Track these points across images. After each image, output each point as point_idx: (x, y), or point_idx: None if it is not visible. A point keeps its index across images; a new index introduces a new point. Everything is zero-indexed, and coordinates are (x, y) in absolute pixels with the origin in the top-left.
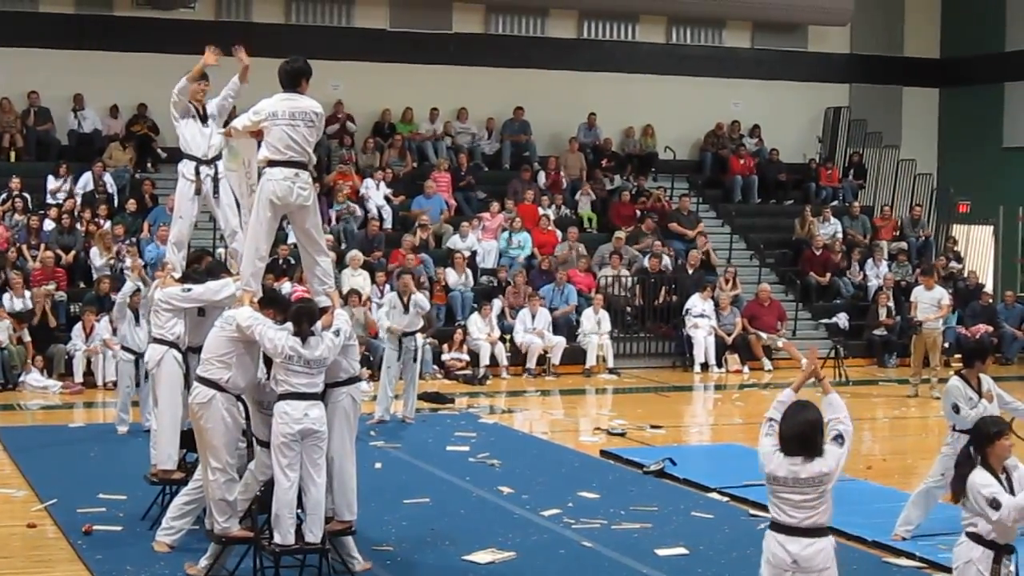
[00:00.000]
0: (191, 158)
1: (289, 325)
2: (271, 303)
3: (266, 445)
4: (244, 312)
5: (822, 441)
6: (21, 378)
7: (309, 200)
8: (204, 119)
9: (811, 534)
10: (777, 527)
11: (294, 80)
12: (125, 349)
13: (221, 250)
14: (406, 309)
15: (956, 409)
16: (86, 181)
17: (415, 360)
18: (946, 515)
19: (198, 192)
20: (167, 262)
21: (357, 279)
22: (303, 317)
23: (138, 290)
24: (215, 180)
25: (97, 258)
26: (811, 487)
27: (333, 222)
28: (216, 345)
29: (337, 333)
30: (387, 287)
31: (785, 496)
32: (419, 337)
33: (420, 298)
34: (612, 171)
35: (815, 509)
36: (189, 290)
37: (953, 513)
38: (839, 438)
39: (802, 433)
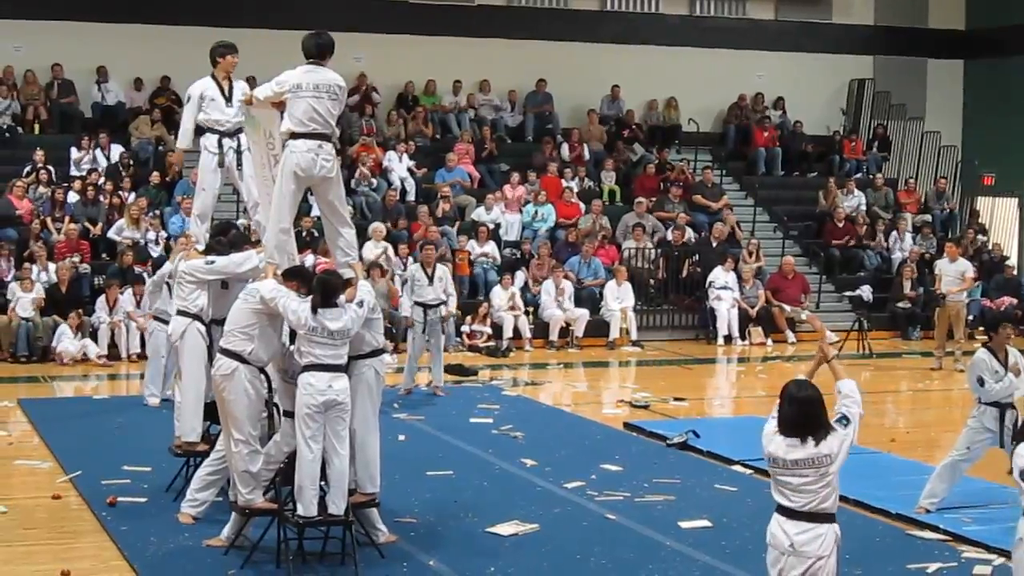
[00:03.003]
0: (214, 131)
1: (312, 297)
2: (294, 275)
3: (291, 415)
4: (268, 284)
5: (822, 422)
6: (55, 344)
7: (333, 172)
8: (229, 95)
9: (812, 519)
10: (779, 509)
11: (321, 53)
12: (159, 319)
13: (243, 221)
14: (430, 281)
15: (981, 382)
16: (107, 153)
17: (442, 332)
18: (971, 488)
19: (221, 164)
20: (190, 234)
21: (379, 251)
22: (326, 289)
23: None
24: (238, 152)
25: (124, 231)
26: (811, 468)
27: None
28: (239, 317)
29: (360, 305)
30: (410, 259)
31: (784, 479)
32: (443, 308)
33: (446, 273)
34: (631, 142)
35: (816, 494)
36: (212, 262)
37: (978, 487)
38: (843, 419)
39: (798, 413)
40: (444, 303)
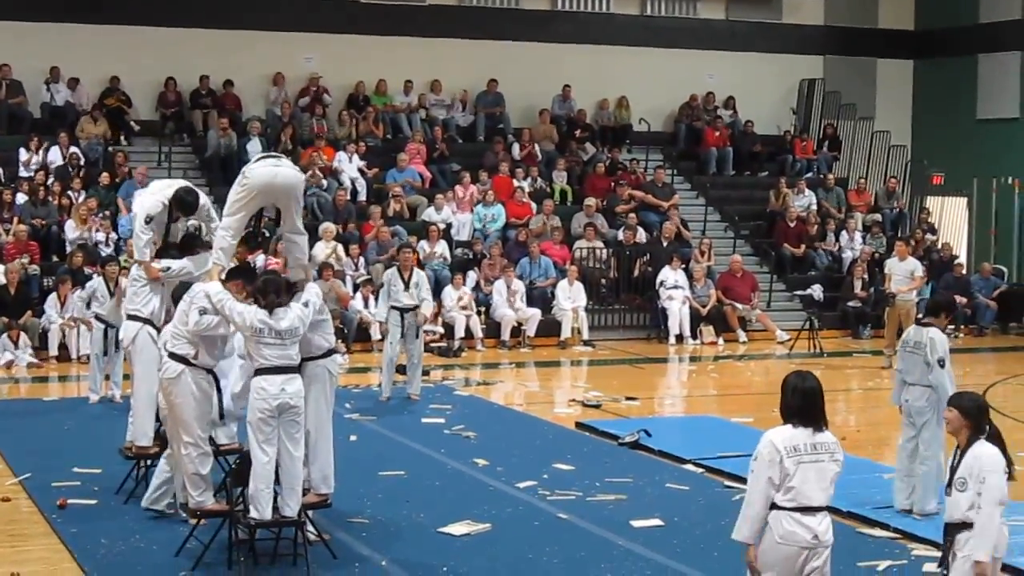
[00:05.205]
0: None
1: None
2: (238, 274)
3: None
4: (214, 287)
5: (823, 413)
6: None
7: (294, 184)
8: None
9: (822, 511)
10: (795, 510)
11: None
12: (100, 320)
13: (194, 222)
14: (407, 286)
15: (941, 363)
16: (56, 154)
17: (416, 336)
18: None
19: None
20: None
21: (329, 251)
22: (270, 288)
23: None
24: None
25: (72, 231)
26: (826, 453)
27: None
28: (183, 320)
29: (306, 305)
30: (361, 260)
31: (805, 471)
32: (419, 313)
33: (422, 278)
34: (583, 142)
35: (832, 483)
36: (168, 268)
37: None
38: None
39: (809, 401)
40: (419, 307)
